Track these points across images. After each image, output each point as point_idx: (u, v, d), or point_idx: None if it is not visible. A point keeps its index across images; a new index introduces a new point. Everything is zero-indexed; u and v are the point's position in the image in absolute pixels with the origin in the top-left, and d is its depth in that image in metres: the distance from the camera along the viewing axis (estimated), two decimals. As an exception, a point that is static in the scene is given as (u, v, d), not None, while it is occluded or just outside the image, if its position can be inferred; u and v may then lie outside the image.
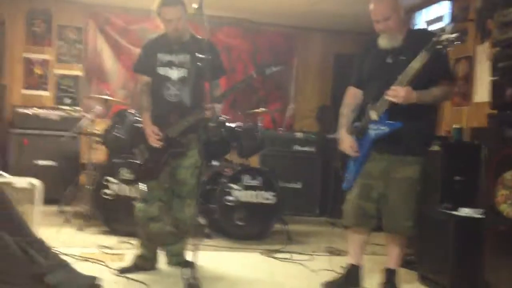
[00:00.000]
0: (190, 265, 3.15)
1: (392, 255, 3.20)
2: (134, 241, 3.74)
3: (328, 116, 6.70)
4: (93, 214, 4.58)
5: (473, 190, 3.72)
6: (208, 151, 3.95)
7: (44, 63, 6.37)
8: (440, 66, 2.92)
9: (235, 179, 4.57)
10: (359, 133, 3.09)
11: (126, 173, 4.42)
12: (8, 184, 3.30)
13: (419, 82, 2.86)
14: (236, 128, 4.80)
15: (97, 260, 3.54)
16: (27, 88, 6.32)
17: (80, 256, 3.57)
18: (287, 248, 4.32)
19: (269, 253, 4.16)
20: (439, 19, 5.34)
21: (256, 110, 5.13)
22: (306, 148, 6.02)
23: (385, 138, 2.97)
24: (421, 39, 2.84)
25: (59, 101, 6.37)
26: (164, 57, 3.36)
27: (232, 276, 3.54)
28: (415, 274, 3.67)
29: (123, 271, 3.36)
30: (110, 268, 3.40)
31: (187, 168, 3.39)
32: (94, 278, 2.67)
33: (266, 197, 4.63)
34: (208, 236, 4.44)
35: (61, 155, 5.69)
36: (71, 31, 6.42)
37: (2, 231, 2.27)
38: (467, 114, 4.80)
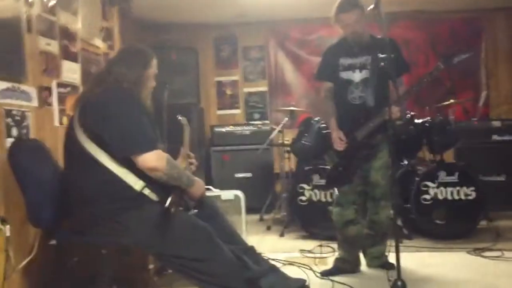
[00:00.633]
0: (392, 266, 3.12)
1: None
2: (334, 245, 3.81)
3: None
4: (291, 220, 4.82)
5: None
6: (398, 150, 3.86)
7: (234, 84, 6.88)
8: None
9: (430, 177, 4.39)
10: None
11: (318, 179, 4.56)
12: (216, 197, 3.68)
13: None
14: (425, 124, 4.62)
15: (302, 264, 3.68)
16: (220, 108, 6.89)
17: (285, 261, 3.76)
18: (496, 245, 4.01)
19: (477, 251, 3.89)
20: None
21: (445, 103, 4.87)
22: (506, 137, 5.50)
23: None
24: None
25: (249, 117, 6.82)
26: (345, 61, 3.40)
27: (439, 277, 3.38)
28: None
29: (325, 273, 3.45)
30: (314, 271, 3.50)
31: (378, 169, 3.38)
32: (304, 281, 2.75)
33: (466, 193, 4.36)
34: (408, 237, 4.33)
35: (257, 167, 6.06)
36: (255, 50, 6.85)
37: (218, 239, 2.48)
38: None
